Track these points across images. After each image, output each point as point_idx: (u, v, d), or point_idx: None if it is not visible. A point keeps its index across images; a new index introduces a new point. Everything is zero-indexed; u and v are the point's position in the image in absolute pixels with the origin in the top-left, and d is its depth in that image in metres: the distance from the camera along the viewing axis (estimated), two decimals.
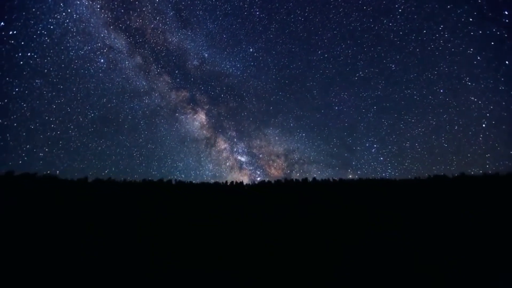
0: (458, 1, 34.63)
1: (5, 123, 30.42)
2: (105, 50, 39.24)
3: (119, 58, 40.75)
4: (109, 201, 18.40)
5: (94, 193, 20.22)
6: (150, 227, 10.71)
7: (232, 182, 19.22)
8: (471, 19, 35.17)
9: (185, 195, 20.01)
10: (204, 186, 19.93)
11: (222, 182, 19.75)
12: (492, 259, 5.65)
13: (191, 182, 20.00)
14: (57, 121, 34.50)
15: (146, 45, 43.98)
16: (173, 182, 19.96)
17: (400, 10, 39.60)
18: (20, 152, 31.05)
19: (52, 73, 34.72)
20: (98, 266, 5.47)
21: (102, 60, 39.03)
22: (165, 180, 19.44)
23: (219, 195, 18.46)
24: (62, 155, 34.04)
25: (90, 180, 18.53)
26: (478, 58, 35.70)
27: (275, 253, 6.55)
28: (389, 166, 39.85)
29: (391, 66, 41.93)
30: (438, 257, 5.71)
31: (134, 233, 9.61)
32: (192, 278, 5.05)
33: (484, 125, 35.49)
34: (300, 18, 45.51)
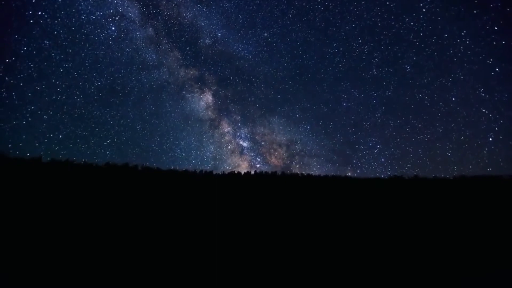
0: (486, 7, 32.62)
1: (12, 81, 29.58)
2: (117, 18, 38.61)
3: (131, 28, 40.11)
4: (63, 185, 16.49)
5: (49, 174, 18.41)
6: (109, 214, 9.31)
7: (201, 170, 17.61)
8: (496, 28, 32.90)
9: (152, 182, 18.19)
10: (172, 173, 18.09)
11: (192, 170, 18.00)
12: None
13: (158, 168, 18.20)
14: (64, 86, 33.86)
15: (159, 17, 43.07)
16: (139, 168, 18.17)
17: (424, 10, 37.49)
18: (24, 112, 30.32)
19: (61, 36, 34.00)
20: (44, 251, 4.95)
21: (113, 28, 38.29)
22: (130, 165, 17.69)
23: (188, 183, 16.58)
24: (66, 120, 33.47)
25: (45, 160, 16.87)
26: (497, 69, 33.36)
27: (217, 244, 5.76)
28: (389, 168, 38.21)
29: (406, 67, 40.01)
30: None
31: (90, 220, 8.13)
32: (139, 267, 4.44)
33: (491, 139, 33.21)
34: (319, 6, 43.93)
